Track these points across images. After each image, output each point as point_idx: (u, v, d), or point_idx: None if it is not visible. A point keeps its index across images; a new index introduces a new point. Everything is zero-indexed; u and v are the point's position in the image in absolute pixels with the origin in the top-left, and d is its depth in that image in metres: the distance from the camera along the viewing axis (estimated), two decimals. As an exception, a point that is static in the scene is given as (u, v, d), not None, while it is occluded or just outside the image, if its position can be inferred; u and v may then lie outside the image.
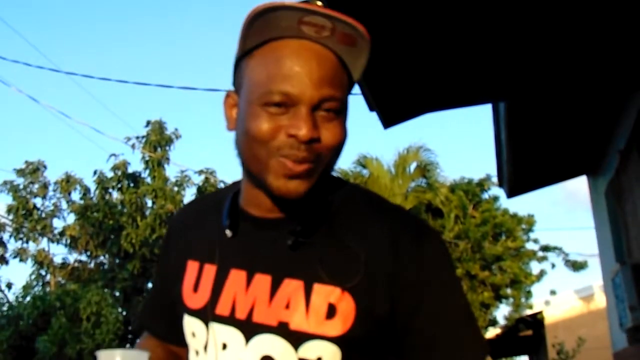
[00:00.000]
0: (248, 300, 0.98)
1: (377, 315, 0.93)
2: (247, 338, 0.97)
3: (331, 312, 0.93)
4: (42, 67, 22.20)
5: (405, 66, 3.68)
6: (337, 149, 0.95)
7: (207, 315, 1.01)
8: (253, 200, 1.02)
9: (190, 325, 1.05)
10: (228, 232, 1.02)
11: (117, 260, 13.78)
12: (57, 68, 31.38)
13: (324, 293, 0.93)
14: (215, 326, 1.00)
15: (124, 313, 13.12)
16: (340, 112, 0.94)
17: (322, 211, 0.98)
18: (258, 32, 0.92)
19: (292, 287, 0.95)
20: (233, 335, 0.98)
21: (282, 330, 0.94)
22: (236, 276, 1.00)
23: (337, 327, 0.92)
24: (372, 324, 0.93)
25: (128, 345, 12.15)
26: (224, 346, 0.99)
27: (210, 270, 1.04)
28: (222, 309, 1.00)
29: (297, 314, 0.93)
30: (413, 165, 16.21)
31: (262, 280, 0.98)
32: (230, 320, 0.99)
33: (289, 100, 0.91)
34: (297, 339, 0.93)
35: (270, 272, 0.98)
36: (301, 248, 0.96)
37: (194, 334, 1.05)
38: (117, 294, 13.38)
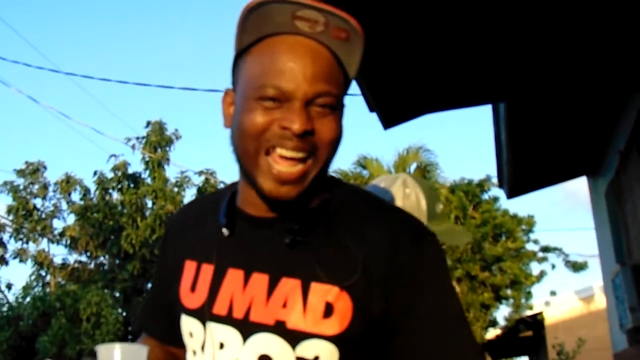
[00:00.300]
0: (245, 299, 0.98)
1: (374, 314, 0.93)
2: (245, 337, 0.97)
3: (328, 311, 0.92)
4: (42, 67, 22.25)
5: (405, 66, 3.67)
6: (332, 144, 0.95)
7: (204, 314, 1.01)
8: (250, 200, 1.01)
9: (188, 325, 1.05)
10: (225, 231, 1.01)
11: (117, 261, 13.79)
12: (57, 68, 31.49)
13: (322, 292, 0.93)
14: (212, 326, 1.00)
15: (124, 314, 13.13)
16: (335, 108, 0.94)
17: (319, 210, 0.98)
18: (253, 28, 0.93)
19: (289, 286, 0.95)
20: (230, 334, 0.98)
21: (280, 329, 0.94)
22: (234, 275, 1.00)
23: (335, 326, 0.92)
24: (370, 323, 0.93)
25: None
26: (221, 345, 0.99)
27: (207, 269, 1.04)
28: (220, 308, 1.00)
29: (295, 313, 0.93)
30: (413, 166, 16.18)
31: (260, 280, 0.97)
32: (227, 319, 0.98)
33: (282, 95, 0.91)
34: (294, 338, 0.93)
35: (267, 271, 0.97)
36: (299, 247, 0.96)
37: (191, 334, 1.04)
38: (117, 294, 13.40)
